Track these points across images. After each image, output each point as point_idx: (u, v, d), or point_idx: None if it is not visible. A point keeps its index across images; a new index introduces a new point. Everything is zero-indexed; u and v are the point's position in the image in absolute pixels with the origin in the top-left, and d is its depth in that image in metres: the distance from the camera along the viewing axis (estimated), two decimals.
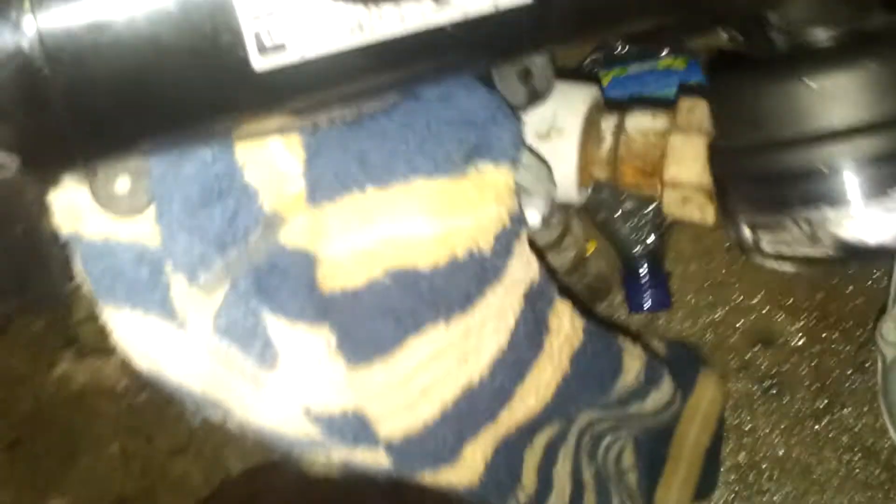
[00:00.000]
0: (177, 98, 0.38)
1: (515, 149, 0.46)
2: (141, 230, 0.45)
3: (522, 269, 0.50)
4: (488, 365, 0.50)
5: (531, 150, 0.55)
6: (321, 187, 0.44)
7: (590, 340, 0.56)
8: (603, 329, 0.58)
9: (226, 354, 0.46)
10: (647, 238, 0.95)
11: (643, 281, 0.95)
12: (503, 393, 0.52)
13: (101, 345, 0.97)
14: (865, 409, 0.93)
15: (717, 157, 0.50)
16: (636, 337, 0.64)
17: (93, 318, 0.50)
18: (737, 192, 0.47)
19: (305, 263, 0.46)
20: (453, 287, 0.46)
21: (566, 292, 0.56)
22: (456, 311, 0.46)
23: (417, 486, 0.56)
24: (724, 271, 0.98)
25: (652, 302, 0.95)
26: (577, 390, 0.57)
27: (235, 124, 0.41)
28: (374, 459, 0.52)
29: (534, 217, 0.55)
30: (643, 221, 0.95)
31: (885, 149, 0.42)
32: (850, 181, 0.41)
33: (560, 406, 0.56)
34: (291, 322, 0.46)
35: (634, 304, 0.95)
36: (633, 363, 0.60)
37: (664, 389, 0.66)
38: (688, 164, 0.59)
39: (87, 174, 0.42)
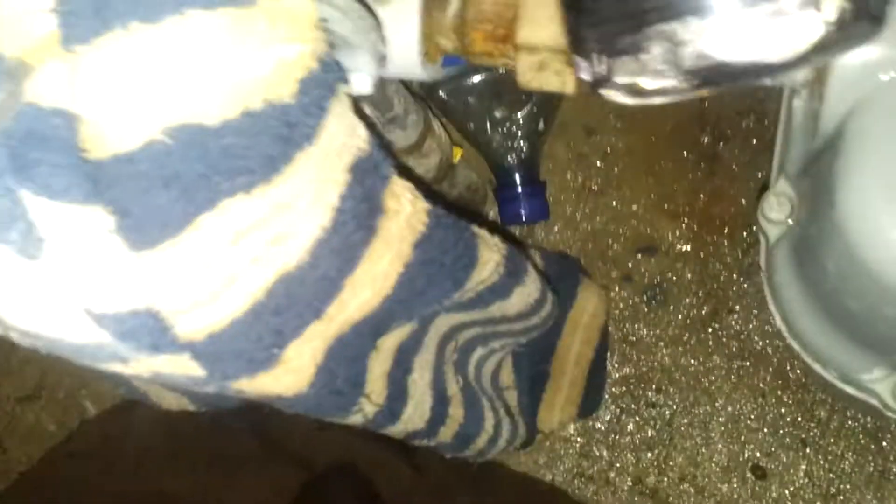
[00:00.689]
0: None
1: None
2: None
3: (344, 133, 0.41)
4: (308, 249, 0.41)
5: None
6: (76, 25, 0.35)
7: (437, 225, 0.48)
8: (453, 214, 0.50)
9: None
10: (519, 146, 0.89)
11: (518, 191, 0.89)
12: (330, 283, 0.44)
13: None
14: (754, 313, 0.89)
15: None
16: (498, 230, 0.56)
17: None
18: (592, 15, 0.40)
19: (67, 125, 0.36)
20: (253, 149, 0.37)
21: (408, 175, 0.48)
22: (258, 179, 0.38)
23: (284, 419, 0.48)
24: (602, 178, 0.92)
25: (528, 213, 0.89)
26: (423, 283, 0.49)
27: None
28: (184, 370, 0.43)
29: (363, 81, 0.47)
30: (515, 129, 0.89)
31: None
32: None
33: (405, 301, 0.48)
34: (57, 201, 0.37)
35: (510, 216, 0.89)
36: (490, 254, 0.53)
37: (529, 286, 0.59)
38: (543, 24, 0.52)
39: None
